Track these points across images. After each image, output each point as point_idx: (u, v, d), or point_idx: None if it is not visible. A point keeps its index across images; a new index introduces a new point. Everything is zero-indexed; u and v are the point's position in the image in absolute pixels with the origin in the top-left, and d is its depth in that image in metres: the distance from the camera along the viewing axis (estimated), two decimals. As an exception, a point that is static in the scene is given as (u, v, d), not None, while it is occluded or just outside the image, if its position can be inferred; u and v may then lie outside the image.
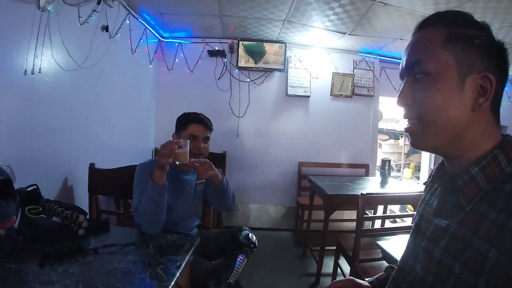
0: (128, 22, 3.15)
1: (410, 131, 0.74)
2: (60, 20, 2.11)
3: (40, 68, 1.98)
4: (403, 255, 0.84)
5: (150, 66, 3.98)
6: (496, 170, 0.64)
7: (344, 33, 3.88)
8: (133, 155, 3.51)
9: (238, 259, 1.95)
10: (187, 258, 1.38)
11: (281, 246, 3.94)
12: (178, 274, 1.23)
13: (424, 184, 0.89)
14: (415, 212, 0.91)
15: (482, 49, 0.66)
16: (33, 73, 1.93)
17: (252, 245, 2.01)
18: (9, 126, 1.83)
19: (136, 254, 1.39)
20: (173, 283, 1.17)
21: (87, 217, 1.61)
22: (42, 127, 2.08)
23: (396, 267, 0.86)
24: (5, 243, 1.26)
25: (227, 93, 4.34)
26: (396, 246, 1.75)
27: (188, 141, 1.73)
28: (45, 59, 2.04)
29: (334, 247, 2.87)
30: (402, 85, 0.74)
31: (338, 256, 2.84)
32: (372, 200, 2.46)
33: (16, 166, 1.53)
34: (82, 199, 2.40)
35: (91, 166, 2.40)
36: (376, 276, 1.03)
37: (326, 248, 3.00)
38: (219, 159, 3.89)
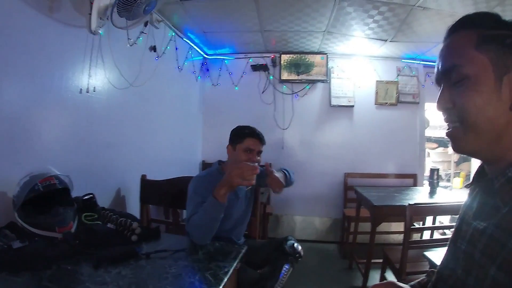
0: (174, 41, 3.32)
1: (452, 135, 0.74)
2: (111, 42, 2.28)
3: (94, 87, 2.15)
4: (443, 260, 0.83)
5: (196, 82, 4.16)
6: None
7: (385, 40, 3.84)
8: (181, 167, 3.65)
9: (283, 269, 1.95)
10: (234, 265, 1.41)
11: (326, 258, 3.89)
12: (225, 279, 1.26)
13: (465, 187, 0.88)
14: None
15: None
16: (88, 92, 2.10)
17: (297, 255, 2.00)
18: (68, 140, 1.99)
19: (186, 259, 1.45)
20: (220, 287, 1.21)
21: (138, 224, 1.70)
22: (97, 141, 2.24)
23: (435, 272, 0.85)
24: (62, 246, 1.36)
25: (271, 106, 4.42)
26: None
27: (257, 164, 1.80)
28: (99, 79, 2.21)
29: (381, 260, 2.80)
30: (440, 90, 0.74)
31: (385, 269, 2.77)
32: (420, 211, 2.40)
33: (74, 177, 1.64)
34: (134, 208, 2.53)
35: (143, 178, 2.53)
36: (418, 280, 1.00)
37: (373, 261, 2.93)
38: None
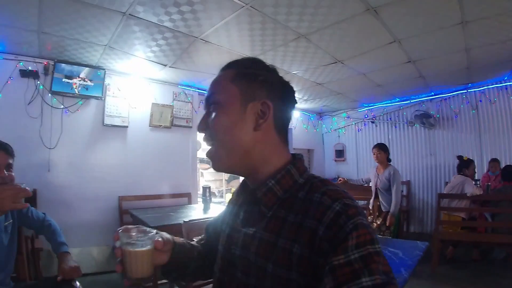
0: None
1: (210, 155, 0.84)
2: None
3: None
4: (218, 267, 0.90)
5: None
6: (290, 181, 0.79)
7: (165, 65, 4.00)
8: None
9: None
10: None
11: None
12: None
13: (229, 200, 1.03)
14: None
15: (264, 83, 0.82)
16: None
17: None
18: None
19: None
20: None
21: None
22: None
23: (214, 280, 0.91)
24: None
25: (37, 120, 3.73)
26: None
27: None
28: None
29: (166, 281, 2.81)
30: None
31: (172, 286, 2.79)
32: (195, 226, 2.50)
33: None
34: None
35: None
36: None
37: (159, 282, 2.89)
38: (29, 199, 3.23)
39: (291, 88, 0.88)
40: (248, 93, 0.81)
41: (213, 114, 0.82)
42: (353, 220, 0.65)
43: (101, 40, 3.29)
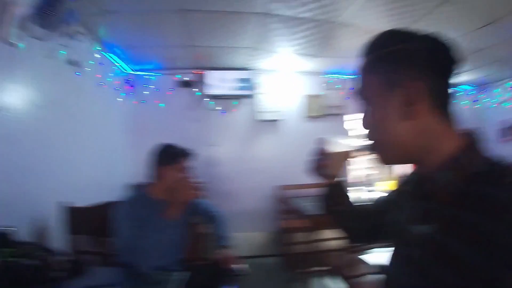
0: (98, 56, 3.12)
1: (373, 151, 0.81)
2: (29, 55, 2.06)
3: (9, 105, 1.91)
4: (391, 266, 0.83)
5: (120, 100, 3.89)
6: (461, 172, 0.65)
7: (309, 56, 4.00)
8: (106, 191, 3.33)
9: (230, 289, 1.91)
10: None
11: (269, 272, 3.83)
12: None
13: (394, 192, 0.95)
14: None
15: (405, 62, 0.70)
16: (1, 110, 1.86)
17: (238, 274, 1.98)
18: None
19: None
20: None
21: (65, 258, 1.52)
22: (12, 166, 1.97)
23: (385, 279, 0.84)
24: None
25: (199, 122, 4.31)
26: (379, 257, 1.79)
27: None
28: (15, 95, 1.98)
29: (324, 267, 2.84)
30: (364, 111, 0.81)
31: (328, 275, 2.81)
32: None
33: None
34: (60, 240, 2.23)
35: (68, 204, 2.26)
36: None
37: (315, 269, 2.95)
38: (201, 190, 3.78)
39: (449, 49, 0.71)
40: (389, 81, 0.71)
41: (366, 111, 0.79)
42: None
43: (245, 43, 3.52)
